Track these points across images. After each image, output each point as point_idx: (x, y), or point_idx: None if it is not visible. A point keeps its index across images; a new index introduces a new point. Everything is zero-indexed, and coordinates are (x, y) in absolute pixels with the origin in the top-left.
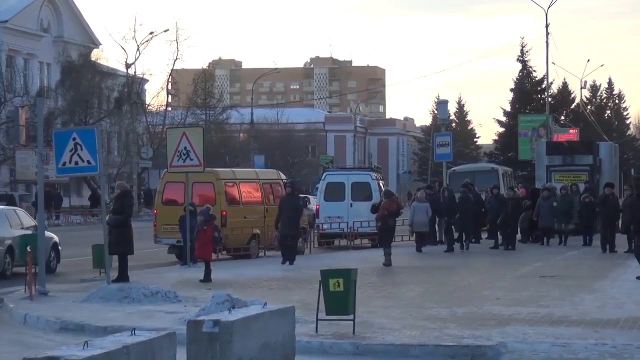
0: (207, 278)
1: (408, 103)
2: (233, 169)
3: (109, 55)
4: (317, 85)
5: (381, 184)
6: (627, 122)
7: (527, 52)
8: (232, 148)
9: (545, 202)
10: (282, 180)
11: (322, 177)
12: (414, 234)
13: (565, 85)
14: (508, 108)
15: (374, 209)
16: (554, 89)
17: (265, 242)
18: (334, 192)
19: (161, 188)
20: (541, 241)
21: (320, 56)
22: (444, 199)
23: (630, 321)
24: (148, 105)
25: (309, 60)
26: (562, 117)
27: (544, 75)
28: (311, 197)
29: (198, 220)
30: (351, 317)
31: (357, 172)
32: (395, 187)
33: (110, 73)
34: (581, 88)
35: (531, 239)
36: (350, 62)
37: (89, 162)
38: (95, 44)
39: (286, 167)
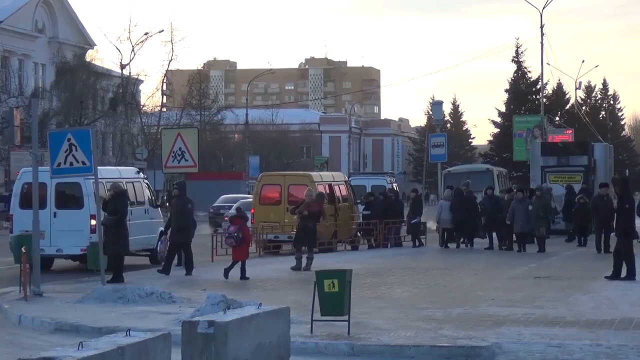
0: (243, 276)
1: (403, 104)
2: (320, 173)
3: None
4: (311, 86)
5: (395, 186)
6: (622, 122)
7: (522, 53)
8: (227, 149)
9: (520, 205)
10: (346, 181)
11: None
12: (441, 230)
13: (560, 86)
14: (503, 109)
15: (295, 208)
16: (549, 89)
17: (341, 236)
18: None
19: (258, 189)
20: (519, 248)
21: (315, 57)
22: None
23: (625, 322)
24: (143, 106)
25: (303, 61)
26: (557, 118)
27: (539, 76)
28: None
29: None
30: (346, 317)
31: (376, 177)
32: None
33: (105, 74)
34: (576, 89)
35: (504, 246)
36: (345, 62)
37: (83, 162)
38: (90, 44)
39: (281, 168)
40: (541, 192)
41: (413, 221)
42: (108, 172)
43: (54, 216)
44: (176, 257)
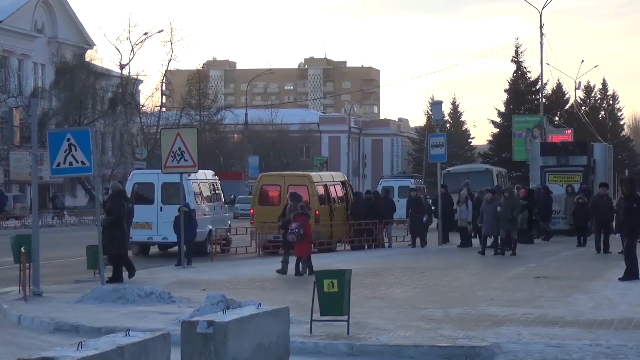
0: (311, 271)
1: (402, 104)
2: (319, 173)
3: (103, 56)
4: (311, 86)
5: (417, 187)
6: (622, 123)
7: (521, 53)
8: (227, 149)
9: (489, 207)
10: (344, 181)
11: (380, 183)
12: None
13: (559, 86)
14: (502, 109)
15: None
16: (549, 90)
17: (337, 237)
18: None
19: (257, 190)
20: (482, 250)
21: (315, 57)
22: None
23: (625, 322)
24: (142, 106)
25: (303, 61)
26: (557, 118)
27: (539, 76)
28: None
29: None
30: (346, 318)
31: (402, 179)
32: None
33: (105, 74)
34: (575, 89)
35: (484, 251)
36: (345, 63)
37: (83, 163)
38: (90, 44)
39: (280, 168)
40: (510, 194)
41: (424, 220)
42: (198, 174)
43: (161, 210)
44: (176, 257)
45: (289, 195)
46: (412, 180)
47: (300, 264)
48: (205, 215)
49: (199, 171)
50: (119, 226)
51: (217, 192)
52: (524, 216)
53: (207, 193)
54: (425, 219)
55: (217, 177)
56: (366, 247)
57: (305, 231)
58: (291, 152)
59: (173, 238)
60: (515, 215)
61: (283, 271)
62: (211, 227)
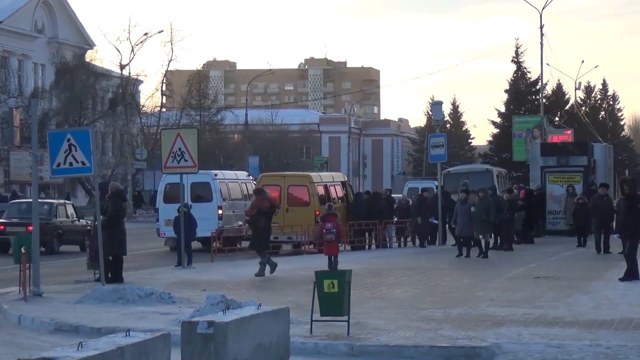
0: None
1: (402, 104)
2: (319, 173)
3: (103, 56)
4: (311, 87)
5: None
6: (622, 123)
7: (521, 53)
8: (227, 149)
9: (462, 207)
10: (344, 181)
11: (405, 185)
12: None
13: (559, 86)
14: (502, 109)
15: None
16: (549, 90)
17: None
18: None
19: None
20: (459, 252)
21: (315, 57)
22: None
23: (625, 322)
24: (142, 106)
25: (303, 62)
26: (557, 118)
27: (539, 76)
28: None
29: (325, 226)
30: (346, 318)
31: (427, 180)
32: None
33: (105, 74)
34: (575, 89)
35: (464, 253)
36: (345, 63)
37: (83, 163)
38: (90, 45)
39: (280, 168)
40: (484, 194)
41: (435, 221)
42: (227, 174)
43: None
44: (176, 257)
45: (254, 190)
46: (435, 182)
47: (332, 262)
48: (233, 212)
49: (230, 171)
50: (117, 226)
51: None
52: (520, 216)
53: (236, 191)
54: (434, 219)
55: (251, 178)
56: (367, 247)
57: (337, 230)
58: (291, 152)
59: (202, 232)
60: (490, 217)
61: (261, 273)
62: (241, 223)
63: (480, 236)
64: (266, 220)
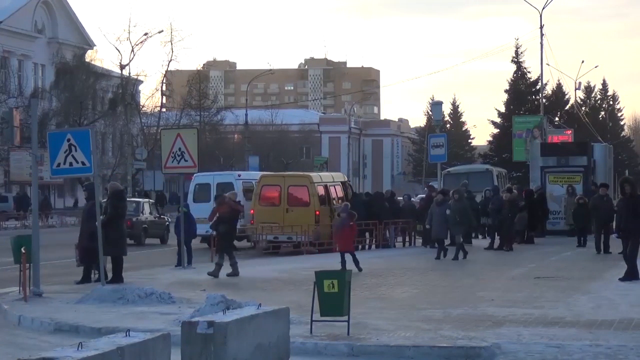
0: (358, 266)
1: (402, 104)
2: (319, 173)
3: (103, 56)
4: (311, 87)
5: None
6: (622, 123)
7: (521, 53)
8: (227, 149)
9: (438, 209)
10: (344, 182)
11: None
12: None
13: (559, 86)
14: (502, 109)
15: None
16: (549, 90)
17: None
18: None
19: (258, 190)
20: (437, 255)
21: (315, 57)
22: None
23: (625, 322)
24: (142, 106)
25: (303, 62)
26: (557, 119)
27: (539, 77)
28: None
29: (341, 217)
30: (346, 318)
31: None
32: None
33: (105, 74)
34: (575, 89)
35: (443, 255)
36: (345, 63)
37: (83, 163)
38: (90, 45)
39: (280, 169)
40: (459, 196)
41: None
42: (251, 174)
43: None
44: (177, 257)
45: (214, 197)
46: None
47: (353, 258)
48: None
49: (252, 172)
50: (115, 227)
51: None
52: (522, 217)
53: None
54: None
55: None
56: (366, 247)
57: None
58: (291, 152)
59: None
60: (464, 220)
61: (215, 274)
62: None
63: (456, 237)
64: (226, 225)
